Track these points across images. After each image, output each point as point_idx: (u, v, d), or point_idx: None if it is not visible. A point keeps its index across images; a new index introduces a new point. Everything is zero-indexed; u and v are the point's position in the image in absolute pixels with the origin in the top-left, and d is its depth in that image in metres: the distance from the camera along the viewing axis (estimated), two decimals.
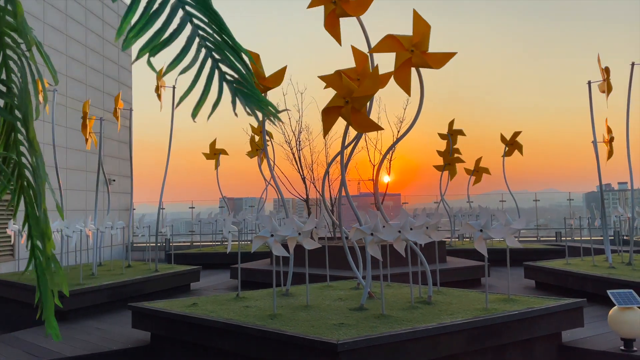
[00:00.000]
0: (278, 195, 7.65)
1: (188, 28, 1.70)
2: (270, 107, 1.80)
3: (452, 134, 14.97)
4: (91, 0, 15.42)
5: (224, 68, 1.74)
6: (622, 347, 5.14)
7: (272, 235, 4.92)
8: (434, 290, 6.34)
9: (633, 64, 8.78)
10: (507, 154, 14.35)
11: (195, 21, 1.71)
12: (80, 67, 14.73)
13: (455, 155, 14.92)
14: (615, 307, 5.23)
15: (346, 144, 6.41)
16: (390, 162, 11.55)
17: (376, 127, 5.47)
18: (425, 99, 5.68)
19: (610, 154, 9.15)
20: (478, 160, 15.30)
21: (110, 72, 16.37)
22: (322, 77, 5.65)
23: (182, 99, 1.64)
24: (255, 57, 6.28)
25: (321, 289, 6.67)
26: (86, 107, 9.19)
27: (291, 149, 11.12)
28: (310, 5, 5.78)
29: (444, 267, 9.66)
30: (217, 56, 1.73)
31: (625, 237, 13.96)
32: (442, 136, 14.97)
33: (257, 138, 12.05)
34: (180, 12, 1.70)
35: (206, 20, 1.73)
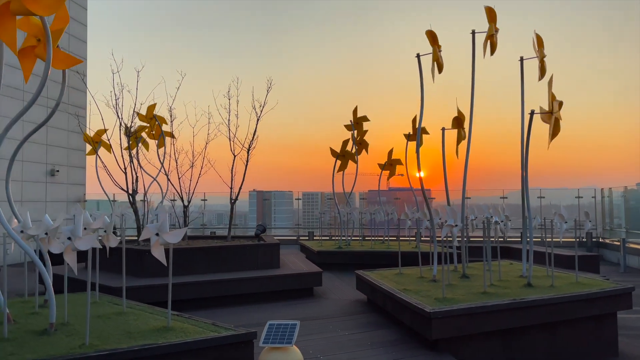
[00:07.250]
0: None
1: None
2: None
3: (357, 123, 13.49)
4: None
5: None
6: None
7: None
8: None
9: (474, 31, 7.26)
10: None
11: None
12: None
13: (360, 146, 13.45)
14: (265, 347, 3.85)
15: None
16: (248, 153, 10.10)
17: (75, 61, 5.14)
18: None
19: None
20: (390, 153, 13.77)
21: None
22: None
23: None
24: None
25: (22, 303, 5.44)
26: None
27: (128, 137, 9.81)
28: None
29: (274, 273, 8.33)
30: None
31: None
32: (347, 127, 13.56)
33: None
34: None
35: None
